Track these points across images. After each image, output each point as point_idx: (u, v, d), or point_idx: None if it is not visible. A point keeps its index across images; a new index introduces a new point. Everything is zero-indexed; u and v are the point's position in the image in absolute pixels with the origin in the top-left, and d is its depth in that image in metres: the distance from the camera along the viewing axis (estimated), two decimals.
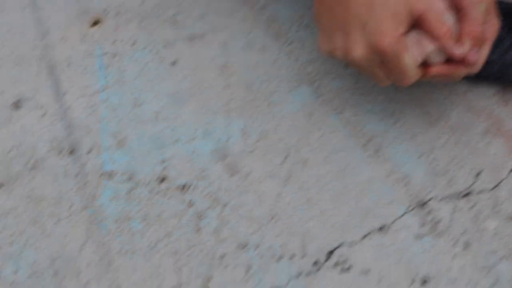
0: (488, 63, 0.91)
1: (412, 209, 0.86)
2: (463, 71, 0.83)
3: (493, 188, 0.86)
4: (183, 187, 0.87)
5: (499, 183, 0.87)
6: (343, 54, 0.81)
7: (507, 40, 0.94)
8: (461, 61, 0.82)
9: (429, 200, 0.86)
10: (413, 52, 0.80)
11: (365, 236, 0.84)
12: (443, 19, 0.78)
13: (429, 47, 0.80)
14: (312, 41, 0.97)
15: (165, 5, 1.03)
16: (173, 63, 0.98)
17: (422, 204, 0.86)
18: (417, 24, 0.80)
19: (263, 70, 0.97)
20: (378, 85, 0.86)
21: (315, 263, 0.83)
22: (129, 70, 0.98)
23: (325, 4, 0.80)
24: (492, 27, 0.84)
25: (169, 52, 0.99)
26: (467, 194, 0.87)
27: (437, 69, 0.82)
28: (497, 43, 0.94)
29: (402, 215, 0.86)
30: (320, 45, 0.82)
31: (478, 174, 0.88)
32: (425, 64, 0.82)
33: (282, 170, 0.89)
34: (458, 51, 0.79)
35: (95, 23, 1.02)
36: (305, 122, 0.91)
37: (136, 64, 0.98)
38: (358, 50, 0.79)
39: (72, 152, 0.88)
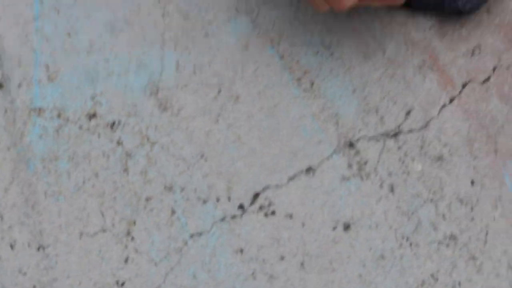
0: None
1: (341, 149, 0.87)
2: None
3: (422, 128, 0.86)
4: (113, 124, 0.88)
5: (429, 122, 0.89)
6: None
7: None
8: None
9: (358, 139, 0.87)
10: None
11: (291, 178, 0.86)
12: None
13: None
14: None
15: None
16: None
17: (351, 144, 0.86)
18: None
19: None
20: (317, 12, 0.85)
21: (240, 206, 0.85)
22: None
23: None
24: None
25: None
26: (396, 134, 0.87)
27: None
28: None
29: (330, 156, 0.87)
30: None
31: (409, 112, 0.88)
32: None
33: (214, 106, 0.90)
34: None
35: None
36: (241, 55, 0.91)
37: None
38: None
39: (1, 85, 0.88)
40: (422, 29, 0.95)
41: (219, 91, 0.92)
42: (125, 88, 0.92)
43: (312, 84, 0.91)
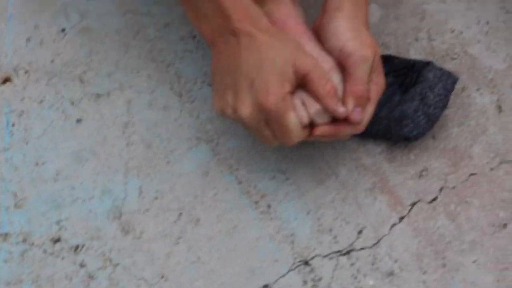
0: (376, 119, 1.04)
1: (296, 267, 0.98)
2: (348, 130, 0.95)
3: (373, 245, 0.98)
4: (77, 248, 1.00)
5: (380, 240, 1.00)
6: (232, 112, 0.94)
7: (396, 96, 1.06)
8: (345, 121, 0.93)
9: (313, 257, 0.98)
10: (298, 112, 0.92)
11: None
12: (327, 79, 0.92)
13: (313, 107, 0.93)
14: None
15: (75, 63, 1.16)
16: (79, 121, 1.10)
17: (306, 262, 0.97)
18: (303, 84, 0.92)
19: (164, 128, 1.09)
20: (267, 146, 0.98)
21: None
22: (35, 128, 1.11)
23: (220, 62, 0.95)
24: (377, 86, 0.98)
25: (75, 110, 1.12)
26: (349, 251, 0.98)
27: (322, 130, 0.94)
28: (387, 99, 1.07)
29: (286, 273, 0.98)
30: (213, 103, 0.97)
31: (361, 231, 1.00)
32: (311, 124, 0.94)
33: (175, 230, 1.02)
34: (341, 110, 0.92)
35: (6, 80, 1.14)
36: (201, 181, 1.04)
37: (42, 122, 1.11)
38: (246, 109, 0.91)
39: None
40: (372, 155, 1.10)
41: (180, 215, 1.05)
42: (89, 213, 1.05)
43: (269, 207, 1.05)
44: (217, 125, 1.14)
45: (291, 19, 1.02)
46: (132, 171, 1.10)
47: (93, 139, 1.13)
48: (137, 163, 1.11)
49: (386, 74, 1.05)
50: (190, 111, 1.16)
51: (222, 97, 0.94)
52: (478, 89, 1.17)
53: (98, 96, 1.17)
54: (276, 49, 0.87)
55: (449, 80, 1.11)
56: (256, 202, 1.07)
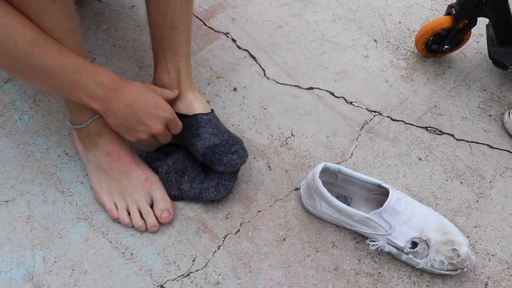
0: (193, 188, 1.26)
1: None
2: None
3: (203, 267, 1.20)
4: None
5: (207, 262, 1.21)
6: (147, 133, 1.20)
7: (202, 174, 1.30)
8: None
9: (166, 282, 1.19)
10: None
11: None
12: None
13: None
14: None
15: None
16: None
17: (162, 286, 1.19)
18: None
19: (55, 216, 1.28)
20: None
21: None
22: None
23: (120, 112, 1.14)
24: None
25: None
26: (188, 274, 1.19)
27: None
28: (197, 176, 1.28)
29: None
30: (127, 137, 1.21)
31: (194, 259, 1.22)
32: None
33: (71, 280, 1.20)
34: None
35: None
36: (84, 245, 1.24)
37: None
38: (157, 125, 1.21)
39: None
40: (194, 209, 1.30)
41: (73, 270, 1.20)
42: (11, 280, 1.18)
43: (131, 254, 1.23)
44: (90, 207, 1.29)
45: (121, 150, 1.25)
46: (37, 247, 1.23)
47: (6, 230, 1.26)
48: (39, 240, 1.24)
49: (196, 160, 1.27)
50: (71, 202, 1.31)
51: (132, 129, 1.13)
52: (254, 158, 1.38)
53: (6, 202, 1.24)
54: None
55: (238, 160, 1.27)
56: (123, 253, 1.23)
